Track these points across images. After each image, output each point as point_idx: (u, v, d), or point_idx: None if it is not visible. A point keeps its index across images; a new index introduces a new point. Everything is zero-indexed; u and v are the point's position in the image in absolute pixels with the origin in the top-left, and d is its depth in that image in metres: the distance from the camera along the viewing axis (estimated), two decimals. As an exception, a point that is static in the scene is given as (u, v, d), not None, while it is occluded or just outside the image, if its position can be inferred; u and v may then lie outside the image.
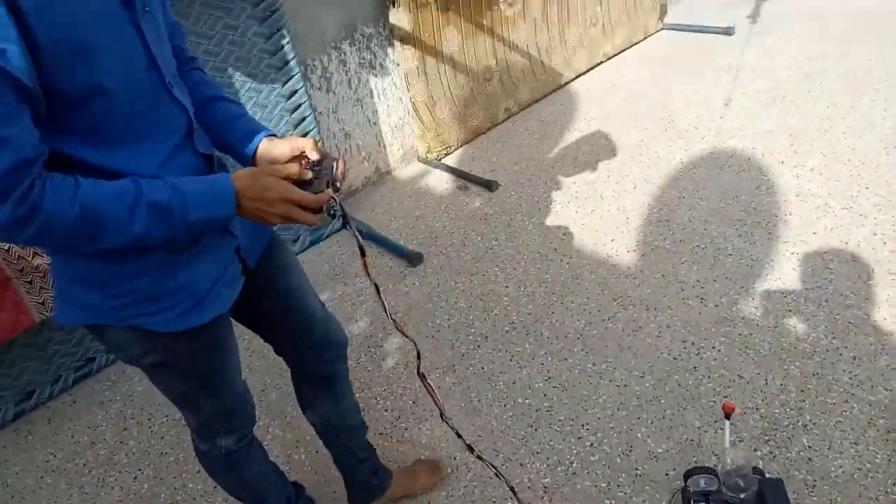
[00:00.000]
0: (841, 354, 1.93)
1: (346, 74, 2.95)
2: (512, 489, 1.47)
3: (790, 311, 2.11)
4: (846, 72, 3.40)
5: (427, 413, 2.01)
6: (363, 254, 1.11)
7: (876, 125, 2.92)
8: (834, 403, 1.79)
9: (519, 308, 2.35)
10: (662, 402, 1.90)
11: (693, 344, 2.07)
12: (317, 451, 1.95)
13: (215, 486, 1.89)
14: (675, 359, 2.03)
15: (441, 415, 1.29)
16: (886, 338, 1.94)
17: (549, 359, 2.12)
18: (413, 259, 2.68)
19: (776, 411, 1.80)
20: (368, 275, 1.11)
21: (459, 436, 1.33)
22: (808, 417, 1.77)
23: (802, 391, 1.84)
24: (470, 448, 1.37)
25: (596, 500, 1.67)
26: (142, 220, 0.91)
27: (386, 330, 2.37)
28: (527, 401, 1.99)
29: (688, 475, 1.58)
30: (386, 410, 2.05)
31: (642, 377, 1.99)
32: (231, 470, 1.40)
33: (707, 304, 2.20)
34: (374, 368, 2.22)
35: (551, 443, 1.84)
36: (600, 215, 2.75)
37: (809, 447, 1.69)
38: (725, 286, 2.26)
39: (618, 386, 1.98)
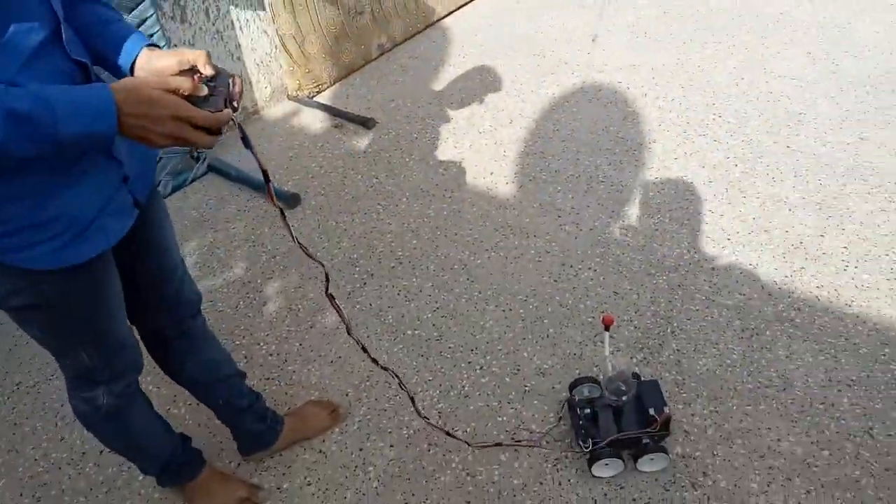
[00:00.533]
0: (701, 266, 2.08)
1: (204, 3, 2.70)
2: (412, 398, 1.51)
3: (657, 230, 2.24)
4: (702, 9, 3.59)
5: (314, 354, 1.95)
6: (267, 179, 1.01)
7: (727, 59, 3.13)
8: (697, 310, 1.94)
9: (403, 244, 2.32)
10: (545, 321, 1.97)
11: (571, 266, 2.15)
12: (197, 404, 1.84)
13: (84, 453, 1.74)
14: (555, 281, 2.10)
15: (348, 330, 1.27)
16: (739, 249, 2.12)
17: (437, 290, 2.12)
18: (290, 200, 2.56)
19: (648, 321, 1.93)
20: (273, 201, 1.03)
21: (365, 350, 1.34)
22: (675, 324, 1.90)
23: (670, 301, 1.98)
24: (375, 361, 1.39)
25: (489, 418, 1.72)
26: None
27: (265, 274, 2.26)
28: (416, 332, 1.98)
29: (573, 386, 1.66)
30: (271, 355, 1.97)
31: (526, 300, 2.04)
32: (114, 421, 1.28)
33: (582, 229, 2.29)
34: (255, 314, 2.12)
35: (443, 370, 1.86)
36: (478, 150, 2.76)
37: (678, 350, 1.83)
38: (598, 211, 2.36)
39: (503, 311, 2.02)
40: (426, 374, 1.85)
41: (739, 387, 1.71)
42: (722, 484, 1.50)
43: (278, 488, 1.61)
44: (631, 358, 1.82)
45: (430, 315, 2.03)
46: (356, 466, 1.64)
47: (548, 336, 1.92)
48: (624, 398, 1.52)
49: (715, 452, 1.57)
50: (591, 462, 1.51)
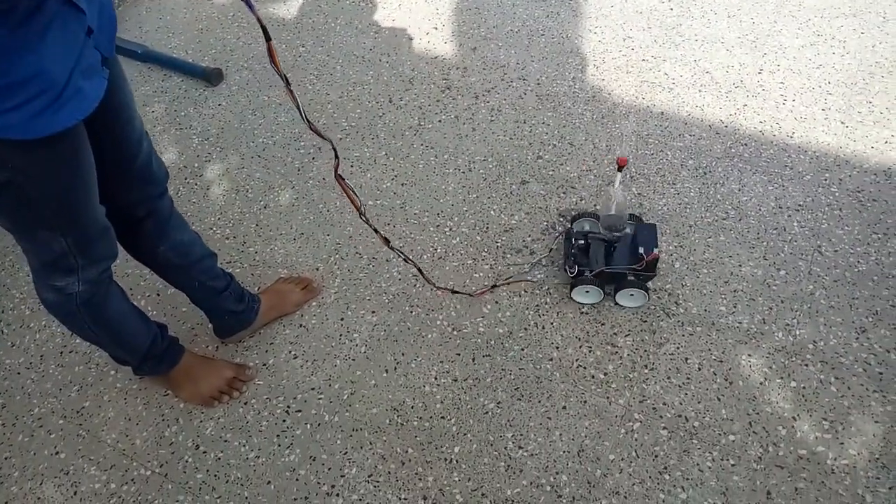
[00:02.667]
0: (650, 111, 2.10)
1: None
2: (420, 271, 1.54)
3: (602, 79, 2.22)
4: None
5: (275, 233, 1.86)
6: (268, 38, 0.91)
7: None
8: (652, 154, 1.98)
9: (347, 114, 2.19)
10: (507, 179, 1.95)
11: (525, 122, 2.11)
12: (157, 294, 1.74)
13: (42, 356, 1.62)
14: (510, 139, 2.07)
15: (360, 213, 1.26)
16: (685, 92, 2.15)
17: (391, 159, 2.04)
18: (212, 77, 2.33)
19: (606, 169, 1.95)
20: (276, 65, 0.93)
21: (377, 231, 1.36)
22: (633, 169, 1.94)
23: (625, 148, 2.00)
24: (386, 241, 1.39)
25: (465, 275, 1.72)
26: None
27: (201, 158, 2.09)
28: (378, 202, 1.92)
29: (574, 218, 1.69)
30: (227, 239, 1.86)
31: (485, 160, 2.01)
32: (90, 310, 1.19)
33: (529, 84, 2.24)
34: (201, 199, 1.98)
35: (412, 236, 1.83)
36: (409, 9, 2.58)
37: (639, 194, 1.88)
38: (543, 65, 2.31)
39: (463, 172, 1.98)
40: (396, 240, 1.81)
41: (699, 222, 1.79)
42: (693, 310, 1.60)
43: (264, 364, 1.58)
44: (595, 206, 1.85)
45: (389, 184, 1.97)
46: (340, 335, 1.62)
47: (511, 193, 1.91)
48: (618, 234, 1.56)
49: (684, 283, 1.66)
50: (572, 286, 1.58)
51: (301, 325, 1.65)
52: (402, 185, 1.96)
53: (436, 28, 2.49)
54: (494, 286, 1.67)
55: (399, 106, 2.21)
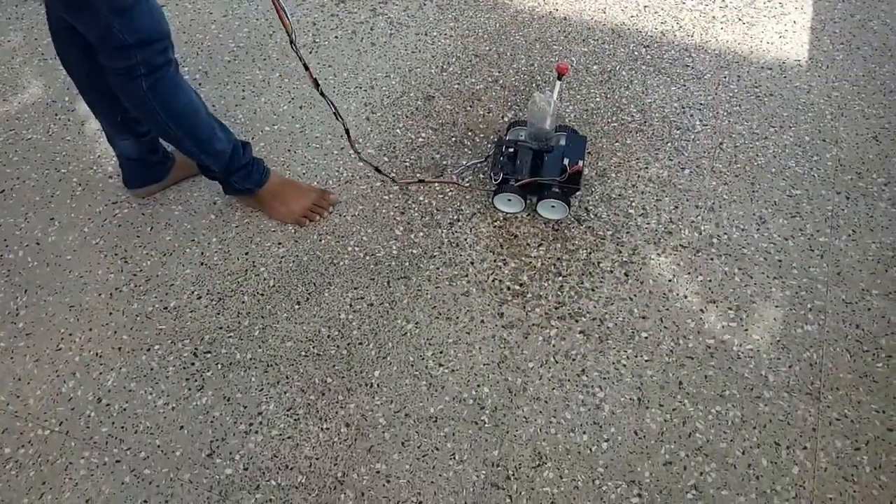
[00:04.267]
0: (553, 16, 2.04)
1: None
2: (347, 133, 1.51)
3: (505, -14, 2.14)
4: None
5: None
6: None
7: None
8: (556, 60, 1.93)
9: (234, 34, 2.02)
10: (411, 94, 1.86)
11: (426, 34, 2.01)
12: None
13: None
14: (412, 52, 1.97)
15: (291, 42, 1.24)
16: (587, -5, 2.10)
17: (286, 80, 1.91)
18: None
19: (513, 79, 1.89)
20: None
21: (307, 68, 1.34)
22: (538, 78, 1.89)
23: (529, 56, 1.94)
24: (316, 83, 1.39)
25: (374, 198, 1.65)
26: None
27: (71, 90, 1.88)
28: (276, 127, 1.80)
29: (510, 126, 1.64)
30: (111, 178, 1.70)
31: (387, 77, 1.91)
32: (157, 96, 1.25)
33: (430, -6, 2.12)
34: (76, 136, 1.79)
35: (315, 161, 1.73)
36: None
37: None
38: (442, -27, 2.19)
39: (365, 91, 1.88)
40: (298, 167, 1.71)
41: (605, 127, 1.78)
42: (603, 215, 1.61)
43: (165, 308, 1.48)
44: (503, 118, 1.80)
45: (286, 107, 1.84)
46: (246, 270, 1.53)
47: (417, 110, 1.83)
48: (544, 144, 1.52)
49: (593, 189, 1.65)
50: (495, 193, 1.55)
51: (202, 264, 1.54)
52: (300, 107, 1.84)
53: (324, -64, 2.30)
54: (421, 181, 1.64)
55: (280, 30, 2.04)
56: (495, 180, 1.55)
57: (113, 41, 1.15)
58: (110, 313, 1.47)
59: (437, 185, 1.66)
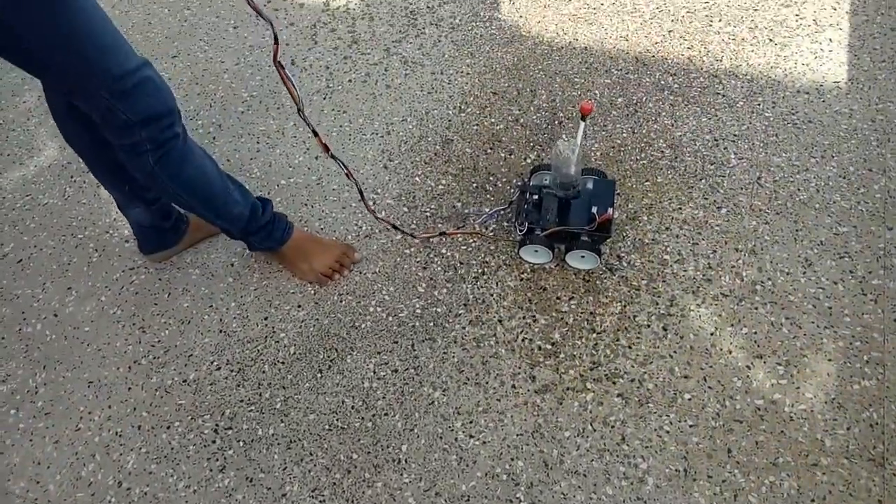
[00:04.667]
0: (573, 46, 1.96)
1: None
2: (361, 193, 1.43)
3: (520, 16, 2.06)
4: None
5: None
6: None
7: None
8: (579, 94, 1.85)
9: (246, 83, 1.98)
10: (429, 139, 1.80)
11: (442, 73, 1.94)
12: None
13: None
14: (428, 93, 1.90)
15: (299, 111, 1.18)
16: (606, 21, 2.01)
17: (301, 129, 1.86)
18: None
19: (534, 117, 1.82)
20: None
21: (316, 134, 1.26)
22: (561, 113, 1.81)
23: (550, 93, 1.86)
24: (326, 147, 1.28)
25: (395, 253, 1.59)
26: None
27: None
28: (292, 180, 1.75)
29: (534, 171, 1.57)
30: (126, 242, 1.67)
31: (403, 120, 1.85)
32: (165, 168, 1.19)
33: (443, 30, 2.06)
34: (91, 199, 1.76)
35: (332, 214, 1.68)
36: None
37: (570, 141, 1.76)
38: (455, 7, 2.13)
39: (382, 136, 1.82)
40: (315, 221, 1.66)
41: (635, 165, 1.69)
42: (637, 263, 1.52)
43: (184, 381, 1.43)
44: (588, 155, 1.73)
45: (301, 158, 1.79)
46: (266, 337, 1.48)
47: (436, 154, 1.76)
48: (571, 191, 1.45)
49: (625, 235, 1.57)
50: (521, 245, 1.48)
51: (221, 332, 1.50)
52: (316, 158, 1.79)
53: (334, -26, 2.25)
54: (443, 234, 1.58)
55: (303, 68, 2.00)
56: (520, 231, 1.47)
57: (116, 121, 1.11)
58: (129, 388, 1.43)
59: (459, 236, 1.59)
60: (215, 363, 1.45)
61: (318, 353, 1.45)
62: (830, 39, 1.88)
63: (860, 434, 1.26)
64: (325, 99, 1.91)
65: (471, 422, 1.33)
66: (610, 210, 1.38)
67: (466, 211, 1.63)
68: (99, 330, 1.52)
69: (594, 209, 1.38)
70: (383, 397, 1.38)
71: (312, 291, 1.54)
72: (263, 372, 1.43)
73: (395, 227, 1.54)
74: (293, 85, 1.13)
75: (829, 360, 1.35)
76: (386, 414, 1.36)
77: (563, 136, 1.45)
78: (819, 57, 1.85)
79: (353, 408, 1.37)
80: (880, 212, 1.54)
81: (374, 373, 1.41)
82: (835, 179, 1.60)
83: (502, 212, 1.61)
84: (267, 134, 1.85)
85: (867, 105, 1.73)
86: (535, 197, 1.48)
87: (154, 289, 1.57)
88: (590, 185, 1.48)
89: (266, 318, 1.51)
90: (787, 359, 1.36)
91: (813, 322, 1.40)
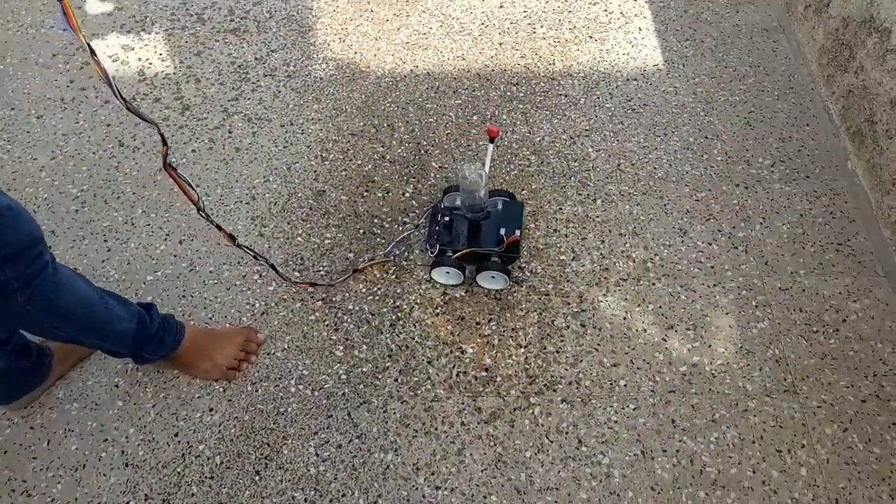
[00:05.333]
0: (416, 74, 1.98)
1: None
2: (273, 267, 1.42)
3: (355, 52, 2.04)
4: None
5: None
6: None
7: None
8: (434, 120, 1.87)
9: (72, 176, 1.75)
10: (299, 194, 1.71)
11: (292, 123, 1.87)
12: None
13: None
14: (284, 147, 1.81)
15: (198, 209, 1.12)
16: (439, 44, 2.06)
17: (153, 215, 1.68)
18: None
19: (399, 150, 1.80)
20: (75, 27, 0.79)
21: (220, 228, 1.21)
22: (425, 141, 1.82)
23: (407, 118, 1.86)
24: (232, 238, 1.25)
25: (301, 322, 1.49)
26: None
27: None
28: (159, 273, 1.57)
29: (446, 191, 1.53)
30: None
31: (266, 181, 1.74)
32: (38, 305, 1.01)
33: (279, 78, 1.98)
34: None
35: (218, 299, 1.53)
36: (98, 22, 2.11)
37: (440, 167, 1.76)
38: (286, 53, 2.05)
39: (247, 203, 1.70)
40: (200, 311, 1.51)
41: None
42: (539, 269, 1.56)
43: (103, 537, 1.23)
44: (496, 178, 1.71)
45: (164, 247, 1.62)
46: (184, 454, 1.32)
47: (311, 209, 1.69)
48: (479, 214, 1.44)
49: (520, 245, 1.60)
50: (433, 266, 1.47)
51: (128, 465, 1.30)
52: (181, 242, 1.63)
53: (140, 38, 2.08)
54: (355, 270, 1.53)
55: (135, 148, 1.82)
56: (432, 252, 1.47)
57: None
58: (31, 565, 1.20)
59: (363, 285, 1.53)
60: (131, 503, 1.26)
61: (250, 454, 1.31)
62: (640, 28, 2.08)
63: (770, 371, 1.40)
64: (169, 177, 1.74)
65: (432, 473, 1.29)
66: (517, 231, 1.40)
67: (360, 259, 1.58)
68: (-31, 508, 1.26)
69: (502, 231, 1.40)
70: (335, 479, 1.28)
71: (221, 389, 1.40)
72: (192, 494, 1.27)
73: (311, 283, 1.49)
74: (190, 185, 1.03)
75: (727, 313, 1.48)
76: (343, 495, 1.27)
77: (468, 162, 1.46)
78: (635, 45, 2.03)
79: (306, 500, 1.26)
80: (725, 172, 1.73)
81: (318, 455, 1.31)
82: (681, 152, 1.77)
83: (410, 236, 1.59)
84: (114, 229, 1.65)
85: (686, 81, 1.93)
86: (447, 219, 1.48)
87: (27, 441, 1.34)
88: (499, 207, 1.50)
89: (176, 435, 1.34)
90: (693, 322, 1.47)
91: (703, 284, 1.53)
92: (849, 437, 1.31)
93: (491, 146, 1.43)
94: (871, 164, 1.62)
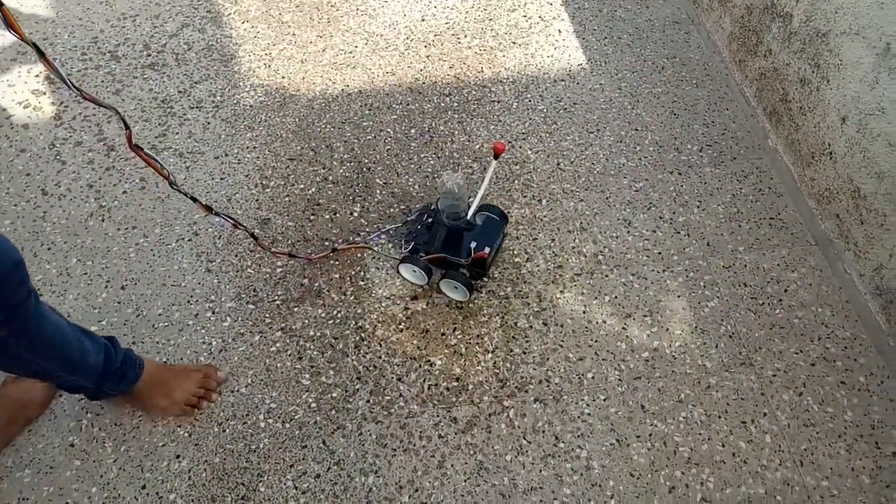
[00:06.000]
0: (348, 93, 1.97)
1: None
2: (254, 236, 1.39)
3: (281, 76, 2.01)
4: None
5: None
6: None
7: None
8: (372, 137, 1.86)
9: None
10: (244, 225, 1.67)
11: (226, 154, 1.82)
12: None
13: None
14: (220, 179, 1.77)
15: (170, 183, 1.07)
16: (367, 61, 2.06)
17: (89, 263, 1.60)
18: None
19: (339, 171, 1.79)
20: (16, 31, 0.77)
21: (195, 199, 1.17)
22: (365, 159, 1.81)
23: (355, 140, 1.85)
24: (209, 208, 1.20)
25: (263, 353, 1.45)
26: None
27: None
28: (104, 321, 1.50)
29: (443, 195, 1.52)
30: None
31: (205, 217, 1.69)
32: (22, 338, 0.98)
33: (206, 110, 1.93)
34: None
35: (171, 341, 1.47)
36: None
37: (385, 183, 1.76)
38: (209, 84, 2.00)
39: (189, 240, 1.64)
40: (149, 350, 1.44)
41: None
42: (495, 274, 1.58)
43: None
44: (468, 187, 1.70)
45: (105, 294, 1.55)
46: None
47: (258, 239, 1.65)
48: (459, 223, 1.44)
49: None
50: (402, 260, 1.48)
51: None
52: (122, 288, 1.56)
53: (51, 82, 1.98)
54: (334, 249, 1.56)
55: (60, 195, 1.73)
56: (405, 248, 1.48)
57: None
58: None
59: (321, 310, 1.50)
60: (103, 566, 1.19)
61: (225, 497, 1.27)
62: (559, 30, 2.14)
63: (725, 347, 1.46)
64: (103, 221, 1.67)
65: (416, 490, 1.28)
66: (487, 249, 1.40)
67: (316, 284, 1.55)
68: None
69: (472, 244, 1.40)
70: (317, 509, 1.25)
71: (186, 434, 1.34)
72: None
73: (290, 254, 1.51)
74: (159, 163, 1.01)
75: (679, 296, 1.54)
76: (328, 525, 1.24)
77: (449, 171, 1.47)
78: (558, 47, 2.09)
79: (290, 536, 1.22)
80: (658, 161, 1.80)
81: (297, 488, 1.28)
82: (615, 146, 1.83)
83: (392, 231, 1.60)
84: (48, 282, 1.56)
85: (610, 77, 2.01)
86: (429, 220, 1.48)
87: (-22, 516, 1.24)
88: (481, 222, 1.50)
89: (144, 487, 1.28)
90: (649, 309, 1.52)
91: (653, 270, 1.59)
92: (804, 401, 1.39)
93: (494, 162, 1.43)
94: (789, 141, 1.72)
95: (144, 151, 0.99)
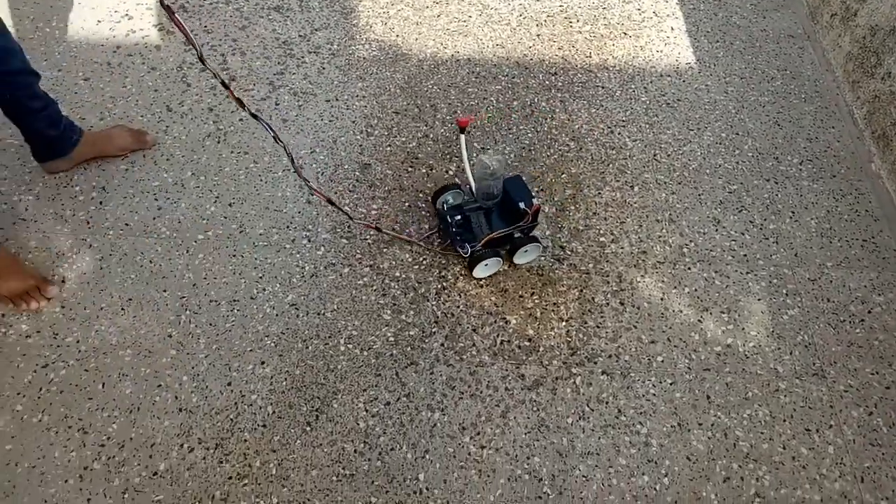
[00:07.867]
0: (457, 59, 2.03)
1: None
2: (291, 158, 1.48)
3: (396, 35, 2.09)
4: None
5: (94, 310, 1.47)
6: None
7: None
8: (476, 103, 1.92)
9: (120, 137, 1.78)
10: (346, 166, 1.76)
11: (337, 99, 1.91)
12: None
13: None
14: (330, 121, 1.86)
15: (200, 59, 1.02)
16: (479, 31, 2.11)
17: (203, 178, 1.71)
18: None
19: (441, 131, 1.85)
20: None
21: (226, 85, 1.08)
22: (474, 125, 1.87)
23: (448, 106, 1.92)
24: (240, 102, 1.13)
25: (347, 287, 1.54)
26: None
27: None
28: (209, 233, 1.61)
29: (435, 196, 1.56)
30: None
31: (313, 152, 1.79)
32: None
33: (323, 55, 2.02)
34: None
35: (267, 260, 1.57)
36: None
37: (482, 148, 1.82)
38: (328, 32, 2.09)
39: (295, 172, 1.74)
40: (251, 272, 1.55)
41: (548, 161, 1.79)
42: (579, 249, 1.62)
43: (156, 470, 1.26)
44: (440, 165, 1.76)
45: (213, 208, 1.66)
46: (237, 403, 1.36)
47: (358, 181, 1.73)
48: (495, 200, 1.49)
49: (560, 226, 1.66)
50: (471, 266, 1.50)
51: (182, 410, 1.34)
52: (230, 204, 1.66)
53: (185, 10, 2.11)
54: (378, 229, 1.57)
55: (183, 113, 1.85)
56: (465, 254, 1.49)
57: None
58: (88, 500, 1.23)
59: (409, 255, 1.57)
60: (186, 445, 1.30)
61: (301, 406, 1.35)
62: (672, 28, 2.15)
63: (800, 356, 1.47)
64: (219, 142, 1.78)
65: (478, 433, 1.33)
66: (535, 201, 1.44)
67: (407, 230, 1.63)
68: (25, 444, 1.28)
69: (522, 205, 1.43)
70: (384, 433, 1.33)
71: (273, 344, 1.43)
72: (245, 441, 1.31)
73: (332, 203, 1.45)
74: (187, 32, 0.97)
75: (759, 299, 1.55)
76: (392, 449, 1.31)
77: (490, 151, 1.50)
78: (668, 44, 2.10)
79: (355, 452, 1.30)
80: (756, 168, 1.80)
81: (367, 411, 1.35)
82: (714, 146, 1.84)
83: (432, 238, 1.62)
84: (164, 189, 1.68)
85: (718, 79, 2.01)
86: (459, 218, 1.49)
87: (82, 382, 1.36)
88: (499, 190, 1.52)
89: (230, 384, 1.38)
90: (727, 306, 1.53)
91: (736, 271, 1.60)
92: (874, 421, 1.38)
93: (462, 136, 1.44)
94: (895, 167, 1.70)
95: (175, 15, 0.93)
